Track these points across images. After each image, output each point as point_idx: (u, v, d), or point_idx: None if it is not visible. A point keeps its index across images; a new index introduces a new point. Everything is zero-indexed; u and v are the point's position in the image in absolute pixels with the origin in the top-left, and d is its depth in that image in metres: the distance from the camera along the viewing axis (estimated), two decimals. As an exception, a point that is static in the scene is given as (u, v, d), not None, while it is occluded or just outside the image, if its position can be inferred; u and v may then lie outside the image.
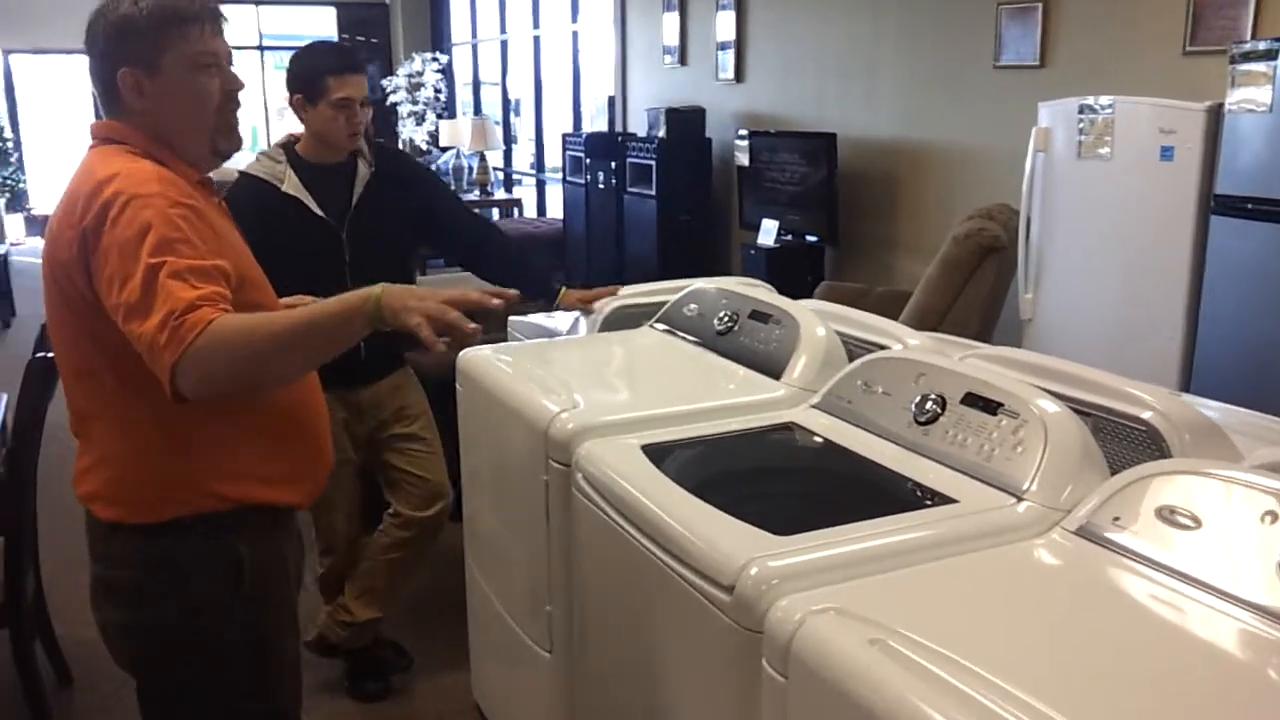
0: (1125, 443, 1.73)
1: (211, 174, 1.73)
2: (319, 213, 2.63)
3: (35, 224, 10.64)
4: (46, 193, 10.89)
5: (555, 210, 9.30)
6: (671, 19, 7.52)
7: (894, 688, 1.16)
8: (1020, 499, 1.59)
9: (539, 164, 10.65)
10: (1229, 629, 1.26)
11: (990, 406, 1.73)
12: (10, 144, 9.84)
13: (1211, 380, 3.26)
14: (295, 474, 1.72)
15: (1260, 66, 3.05)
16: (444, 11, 12.55)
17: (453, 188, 10.29)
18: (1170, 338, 3.44)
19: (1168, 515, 1.42)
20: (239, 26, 12.44)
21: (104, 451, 1.61)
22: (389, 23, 13.05)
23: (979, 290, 4.13)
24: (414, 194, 2.81)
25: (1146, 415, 1.71)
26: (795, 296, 4.40)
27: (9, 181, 9.15)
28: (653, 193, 6.83)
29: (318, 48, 2.70)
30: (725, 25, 6.89)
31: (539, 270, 3.02)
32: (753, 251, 6.01)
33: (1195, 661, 1.23)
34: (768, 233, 5.99)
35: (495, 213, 10.11)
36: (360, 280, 2.59)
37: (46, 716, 2.65)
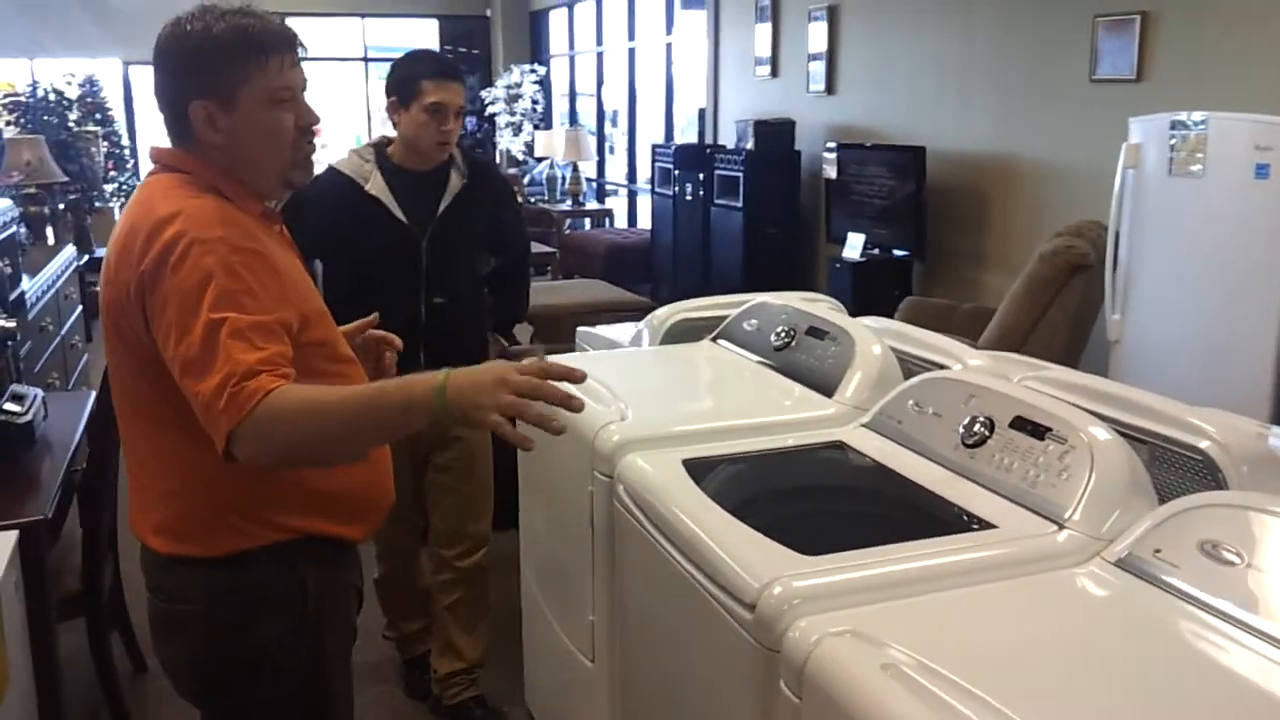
0: (1181, 472, 1.67)
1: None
2: (400, 217, 2.63)
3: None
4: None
5: (646, 221, 9.34)
6: (764, 30, 7.50)
7: (901, 715, 1.14)
8: (1062, 527, 1.54)
9: (631, 175, 10.71)
10: (1265, 669, 1.20)
11: (1039, 431, 1.68)
12: (127, 151, 10.27)
13: (1305, 410, 3.12)
14: (356, 509, 1.68)
15: (1362, 81, 2.91)
16: (543, 24, 12.73)
17: (545, 197, 10.43)
18: (1263, 364, 3.29)
19: (1210, 550, 1.36)
20: (345, 38, 12.80)
21: (165, 488, 1.58)
22: (489, 35, 13.27)
23: (1065, 310, 4.02)
24: (495, 208, 2.82)
25: (1204, 445, 1.65)
26: (881, 312, 4.36)
27: (125, 187, 9.55)
28: (739, 205, 6.82)
29: (418, 54, 2.72)
30: (817, 36, 6.85)
31: (515, 309, 3.07)
32: (838, 265, 5.95)
33: (1223, 700, 1.18)
34: (853, 246, 5.92)
35: (587, 223, 10.20)
36: (434, 289, 2.63)
37: (120, 702, 2.75)
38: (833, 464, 1.92)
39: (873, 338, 2.22)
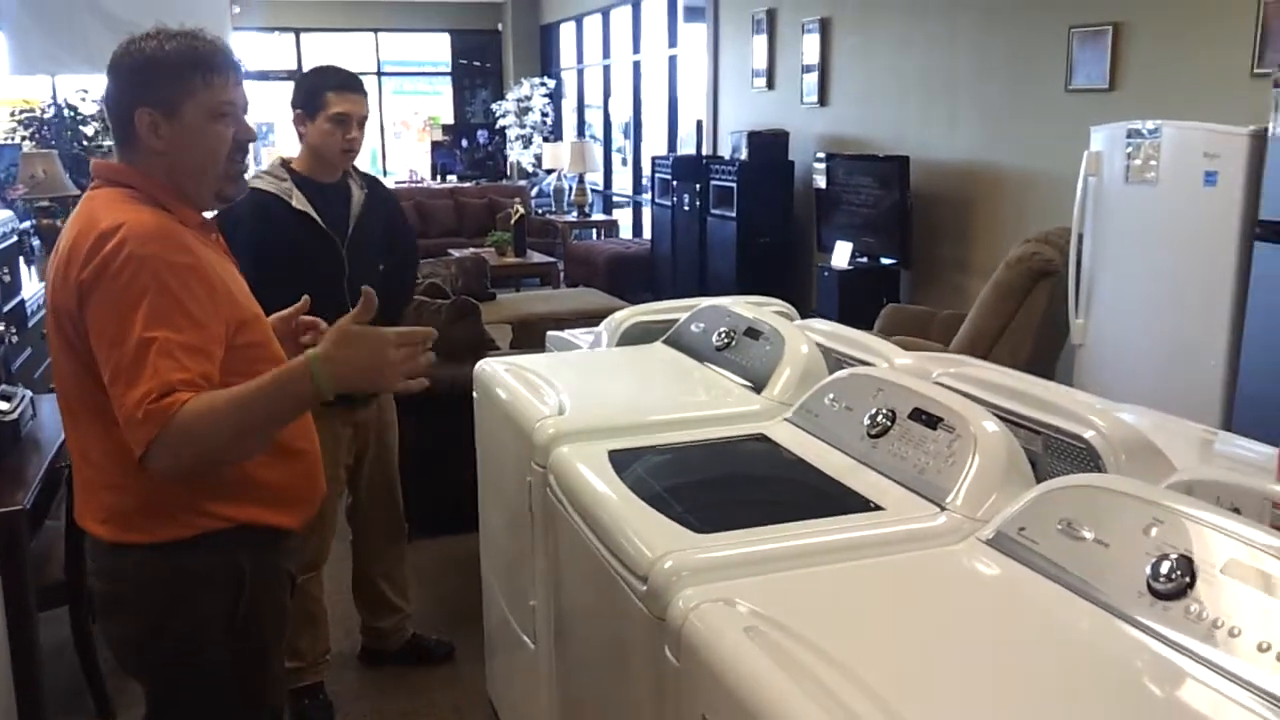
0: (1069, 460, 1.77)
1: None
2: (324, 227, 2.80)
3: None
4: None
5: (649, 232, 9.47)
6: (761, 42, 7.64)
7: (755, 671, 1.25)
8: (943, 509, 1.65)
9: (637, 186, 10.85)
10: (1099, 628, 1.30)
11: (932, 421, 1.79)
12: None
13: (1254, 409, 3.21)
14: (292, 498, 1.80)
15: (1301, 91, 3.01)
16: (553, 37, 12.90)
17: (552, 209, 10.58)
18: (1214, 363, 3.39)
19: (1067, 527, 1.46)
20: (359, 53, 13.02)
21: (109, 480, 1.67)
22: (500, 49, 13.47)
23: (1032, 315, 4.11)
24: (388, 215, 3.03)
25: (1088, 435, 1.75)
26: (867, 319, 4.45)
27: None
28: (733, 214, 6.94)
29: (322, 68, 2.86)
30: (811, 49, 6.97)
31: (402, 304, 3.24)
32: (826, 273, 6.06)
33: (1055, 655, 1.29)
34: (841, 255, 6.03)
35: (594, 233, 10.34)
36: (356, 292, 2.82)
37: (102, 689, 2.89)
38: (751, 455, 2.03)
39: (802, 338, 2.33)
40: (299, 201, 2.75)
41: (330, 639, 2.98)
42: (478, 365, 2.61)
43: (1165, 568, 1.30)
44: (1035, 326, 4.12)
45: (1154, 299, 3.61)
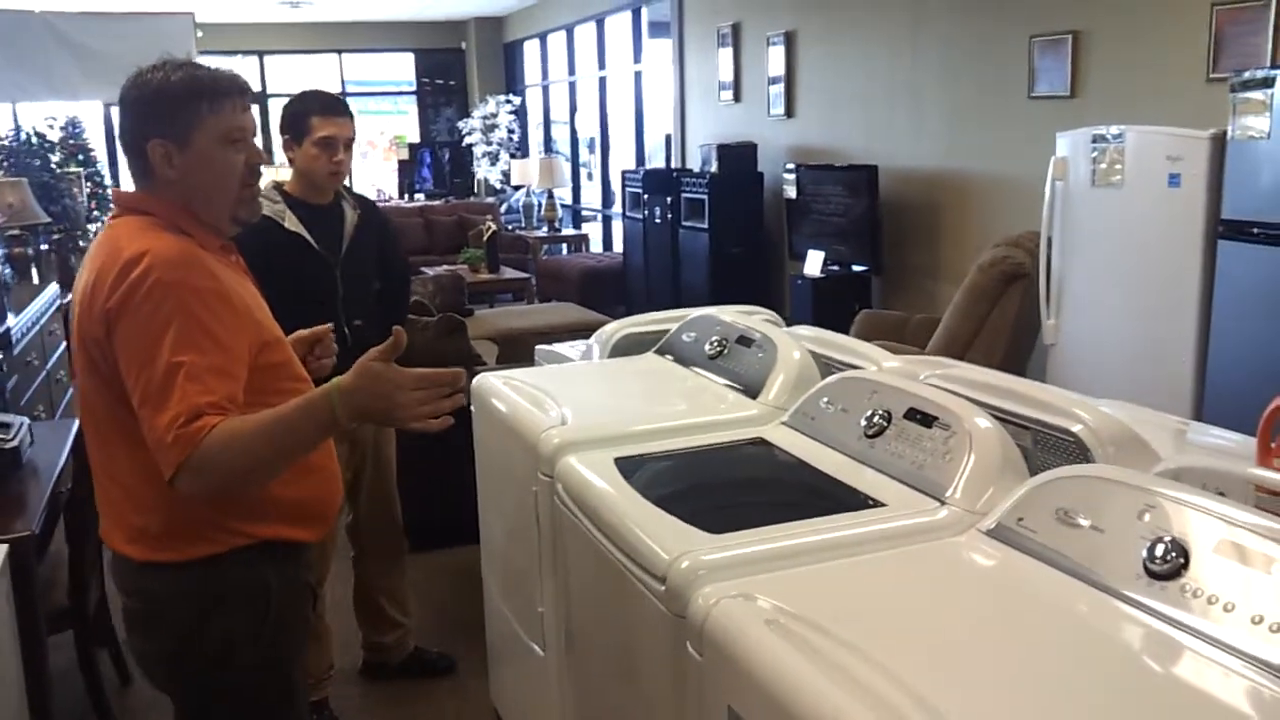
0: (1059, 453, 1.86)
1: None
2: (318, 249, 2.85)
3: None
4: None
5: (620, 245, 9.55)
6: (726, 55, 7.74)
7: (779, 661, 1.32)
8: (943, 503, 1.73)
9: (605, 201, 10.93)
10: (1098, 609, 1.38)
11: (928, 420, 1.87)
12: (109, 191, 10.46)
13: (1223, 402, 3.32)
14: (313, 513, 1.85)
15: (1258, 94, 3.14)
16: (517, 55, 12.98)
17: (522, 224, 10.63)
18: (1183, 361, 3.50)
19: (1063, 516, 1.54)
20: (323, 74, 13.02)
21: (136, 501, 1.71)
22: (465, 67, 13.52)
23: (1005, 317, 4.22)
24: (380, 237, 3.08)
25: (1076, 429, 1.83)
26: (840, 325, 4.53)
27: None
28: (705, 226, 7.03)
29: (306, 93, 2.93)
30: (776, 61, 7.08)
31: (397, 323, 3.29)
32: (799, 282, 6.15)
33: (1055, 633, 1.36)
34: (813, 263, 6.13)
35: (564, 248, 10.40)
36: (350, 313, 2.86)
37: (108, 712, 2.91)
38: (753, 458, 2.10)
39: (794, 344, 2.41)
40: (291, 223, 2.80)
41: (333, 654, 3.02)
42: (475, 379, 2.66)
43: (1160, 550, 1.38)
44: (1008, 328, 4.23)
45: (1123, 298, 3.72)
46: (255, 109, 1.83)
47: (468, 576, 3.00)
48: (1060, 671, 1.29)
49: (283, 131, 2.85)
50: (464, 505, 3.01)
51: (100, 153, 10.57)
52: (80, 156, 9.68)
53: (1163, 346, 3.57)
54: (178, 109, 1.68)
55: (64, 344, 5.43)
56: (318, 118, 2.80)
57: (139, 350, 1.59)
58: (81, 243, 8.81)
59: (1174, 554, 1.36)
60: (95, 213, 9.72)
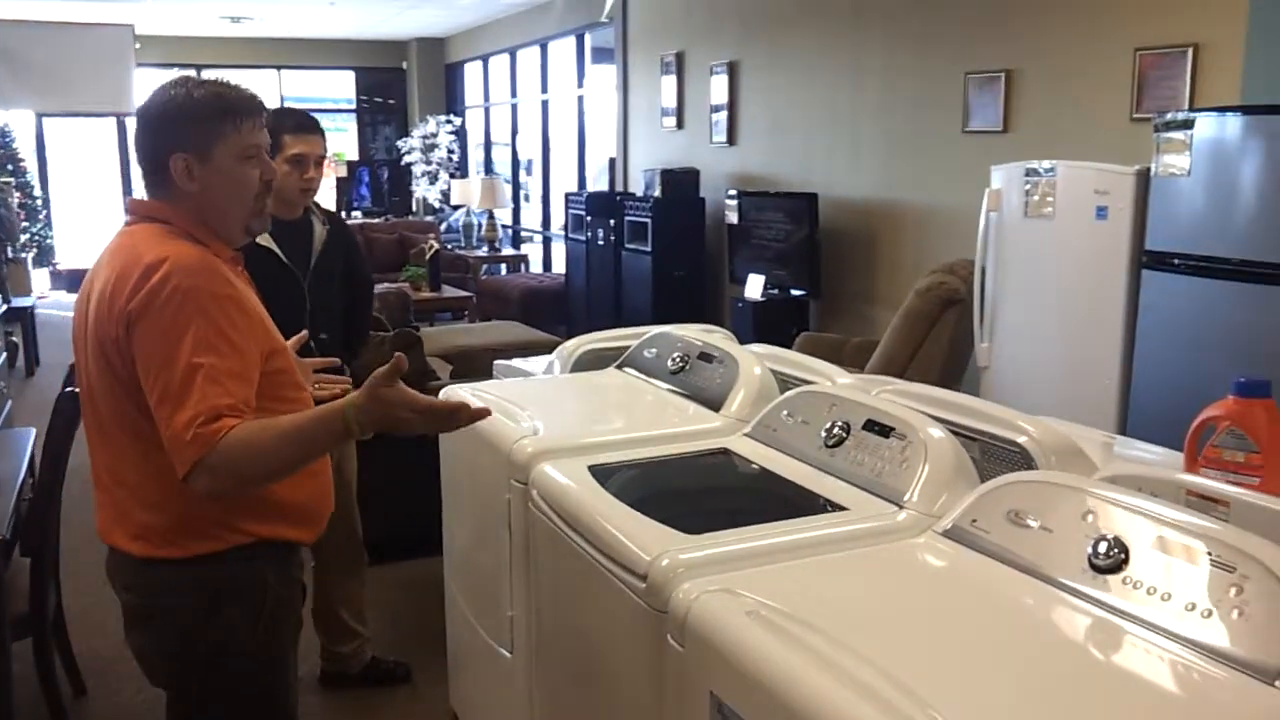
0: (1005, 462, 2.00)
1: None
2: (287, 263, 2.90)
3: (61, 278, 11.06)
4: (73, 249, 11.34)
5: (561, 266, 9.65)
6: (670, 83, 7.90)
7: (760, 647, 1.42)
8: (902, 507, 1.85)
9: (546, 222, 11.02)
10: (1046, 603, 1.51)
11: (885, 431, 2.00)
12: (40, 201, 10.28)
13: (1146, 420, 3.51)
14: (310, 515, 1.92)
15: (1179, 135, 3.35)
16: (458, 76, 13.04)
17: (462, 244, 10.67)
18: (1109, 383, 3.70)
19: (1014, 517, 1.68)
20: (262, 90, 12.94)
21: (143, 499, 1.77)
22: (405, 86, 13.54)
23: (940, 340, 4.40)
24: (348, 254, 3.16)
25: (1021, 440, 1.97)
26: (782, 346, 4.65)
27: (38, 237, 9.57)
28: (648, 249, 7.16)
29: (279, 111, 2.99)
30: (719, 90, 7.26)
31: (360, 338, 3.34)
32: (740, 305, 6.31)
33: (1009, 625, 1.49)
34: (754, 287, 6.29)
35: (503, 268, 10.47)
36: (316, 326, 2.92)
37: (64, 720, 2.91)
38: (718, 467, 2.22)
39: (754, 360, 2.53)
40: (262, 238, 2.84)
41: None
42: (442, 392, 2.73)
43: (1103, 547, 1.51)
44: (944, 351, 4.41)
45: (1053, 323, 3.92)
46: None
47: (424, 588, 3.07)
48: (1015, 656, 1.41)
49: None
50: (423, 519, 3.09)
51: (30, 163, 10.40)
52: (10, 166, 9.52)
53: (1090, 368, 3.77)
54: (202, 125, 1.76)
55: (2, 355, 5.36)
56: (290, 135, 2.86)
57: (159, 351, 1.65)
58: (11, 254, 8.66)
59: (1115, 550, 1.50)
60: (25, 223, 9.56)
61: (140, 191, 1.86)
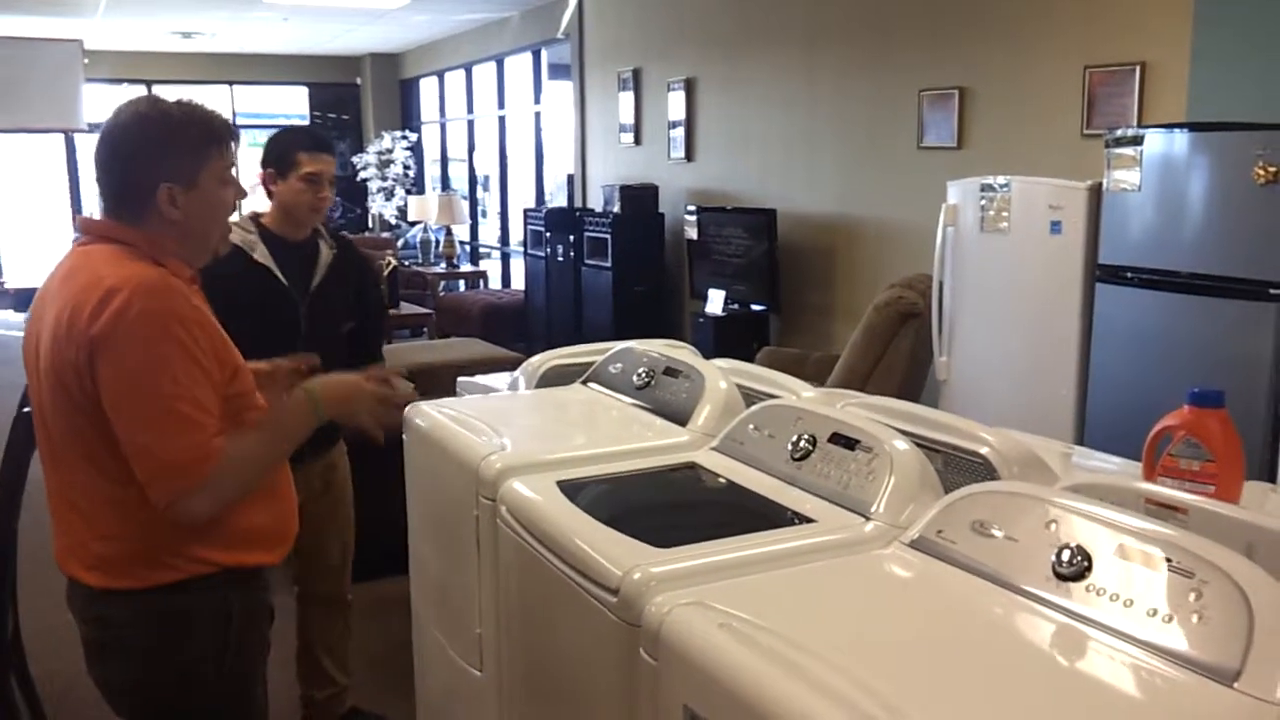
0: (968, 473, 2.03)
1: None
2: (284, 283, 2.87)
3: (8, 297, 10.87)
4: (20, 268, 11.16)
5: (520, 282, 9.64)
6: (627, 99, 7.95)
7: (734, 659, 1.44)
8: (868, 519, 1.88)
9: (504, 238, 11.01)
10: (1012, 612, 1.54)
11: (851, 444, 2.03)
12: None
13: (1102, 430, 3.59)
14: (274, 538, 1.91)
15: (1129, 151, 3.43)
16: (413, 92, 13.01)
17: (419, 260, 10.63)
18: (1065, 394, 3.77)
19: (979, 527, 1.71)
20: (213, 105, 12.82)
21: (102, 530, 1.74)
22: (360, 102, 13.48)
23: (899, 354, 4.46)
24: (357, 279, 3.13)
25: (983, 450, 2.01)
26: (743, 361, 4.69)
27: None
28: (609, 264, 7.19)
29: (293, 128, 3.00)
30: (676, 107, 7.31)
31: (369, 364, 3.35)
32: (701, 320, 6.34)
33: (977, 634, 1.52)
34: (714, 302, 6.33)
35: (461, 284, 10.44)
36: (311, 349, 2.89)
37: (22, 747, 2.85)
38: (685, 481, 2.23)
39: (720, 375, 2.55)
40: (261, 255, 2.82)
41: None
42: (408, 410, 2.72)
43: (1066, 555, 1.55)
44: (903, 364, 4.47)
45: (1010, 336, 3.99)
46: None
47: (391, 607, 3.04)
48: (982, 663, 1.44)
49: (265, 165, 2.87)
50: (384, 537, 3.08)
51: (-22, 180, 10.23)
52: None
53: (1046, 380, 3.84)
54: (190, 154, 1.75)
55: (-48, 376, 5.25)
56: (305, 154, 2.85)
57: (131, 379, 1.63)
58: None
59: (1079, 558, 1.53)
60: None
61: (92, 210, 1.82)
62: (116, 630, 1.78)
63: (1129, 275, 3.51)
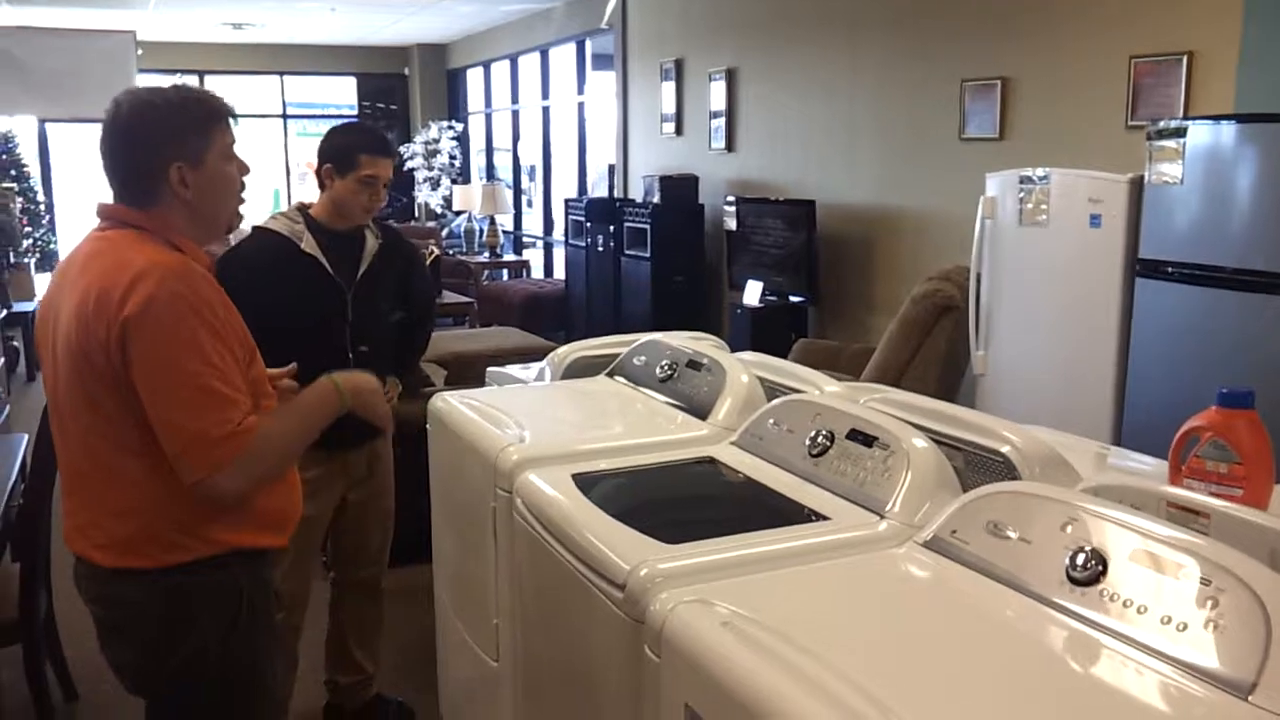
0: (989, 472, 1.99)
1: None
2: (331, 273, 2.87)
3: (64, 283, 11.05)
4: (75, 253, 11.35)
5: (561, 272, 9.65)
6: (669, 89, 7.91)
7: (733, 659, 1.42)
8: (883, 517, 1.85)
9: (547, 227, 11.03)
10: (1024, 614, 1.51)
11: (869, 440, 1.99)
12: (43, 207, 10.30)
13: (1140, 428, 3.51)
14: (282, 520, 1.94)
15: (1171, 143, 3.35)
16: (460, 82, 13.06)
17: (463, 249, 10.68)
18: (1103, 390, 3.69)
19: (993, 528, 1.67)
20: (265, 96, 12.99)
21: (114, 508, 1.77)
22: (407, 92, 13.56)
23: (936, 348, 4.40)
24: (405, 270, 3.12)
25: (1005, 449, 1.97)
26: (778, 354, 4.70)
27: (40, 243, 9.59)
28: (647, 255, 7.17)
29: (357, 126, 2.99)
30: (717, 96, 7.27)
31: (414, 356, 3.38)
32: (739, 311, 6.30)
33: (984, 635, 1.49)
34: (752, 293, 6.29)
35: (505, 274, 10.47)
36: (357, 338, 2.89)
37: (54, 727, 2.91)
38: (704, 475, 2.21)
39: (741, 369, 2.53)
40: (308, 245, 2.83)
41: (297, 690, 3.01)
42: (432, 400, 2.73)
43: (1081, 559, 1.51)
44: (939, 358, 4.41)
45: (1048, 331, 3.91)
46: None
47: (416, 594, 3.05)
48: (988, 668, 1.41)
49: (324, 159, 2.87)
50: (409, 525, 3.10)
51: (34, 169, 10.44)
52: (13, 172, 9.55)
53: (1085, 376, 3.76)
54: (195, 132, 1.80)
55: (1, 360, 5.37)
56: (366, 155, 2.85)
57: (164, 358, 1.68)
58: (13, 259, 8.69)
59: (1093, 562, 1.49)
60: (27, 229, 9.58)
61: (107, 198, 1.85)
62: (126, 609, 1.80)
63: (1170, 270, 3.42)
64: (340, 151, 2.87)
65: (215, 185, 1.83)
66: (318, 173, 2.90)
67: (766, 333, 6.01)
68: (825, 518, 1.88)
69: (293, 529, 1.98)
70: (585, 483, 2.10)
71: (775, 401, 2.29)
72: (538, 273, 10.91)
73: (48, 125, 10.93)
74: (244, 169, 1.90)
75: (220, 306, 1.76)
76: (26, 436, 3.17)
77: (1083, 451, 2.28)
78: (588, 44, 9.56)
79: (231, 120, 1.87)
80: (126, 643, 1.83)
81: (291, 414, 1.86)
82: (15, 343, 7.10)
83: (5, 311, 6.83)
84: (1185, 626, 1.35)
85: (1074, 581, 1.50)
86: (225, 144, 1.84)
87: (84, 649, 3.32)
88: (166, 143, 1.78)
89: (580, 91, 9.82)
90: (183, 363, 1.67)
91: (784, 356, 5.14)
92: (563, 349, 3.10)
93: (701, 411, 2.48)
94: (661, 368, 2.70)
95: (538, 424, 2.42)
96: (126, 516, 1.76)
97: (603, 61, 9.17)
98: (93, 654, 3.26)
